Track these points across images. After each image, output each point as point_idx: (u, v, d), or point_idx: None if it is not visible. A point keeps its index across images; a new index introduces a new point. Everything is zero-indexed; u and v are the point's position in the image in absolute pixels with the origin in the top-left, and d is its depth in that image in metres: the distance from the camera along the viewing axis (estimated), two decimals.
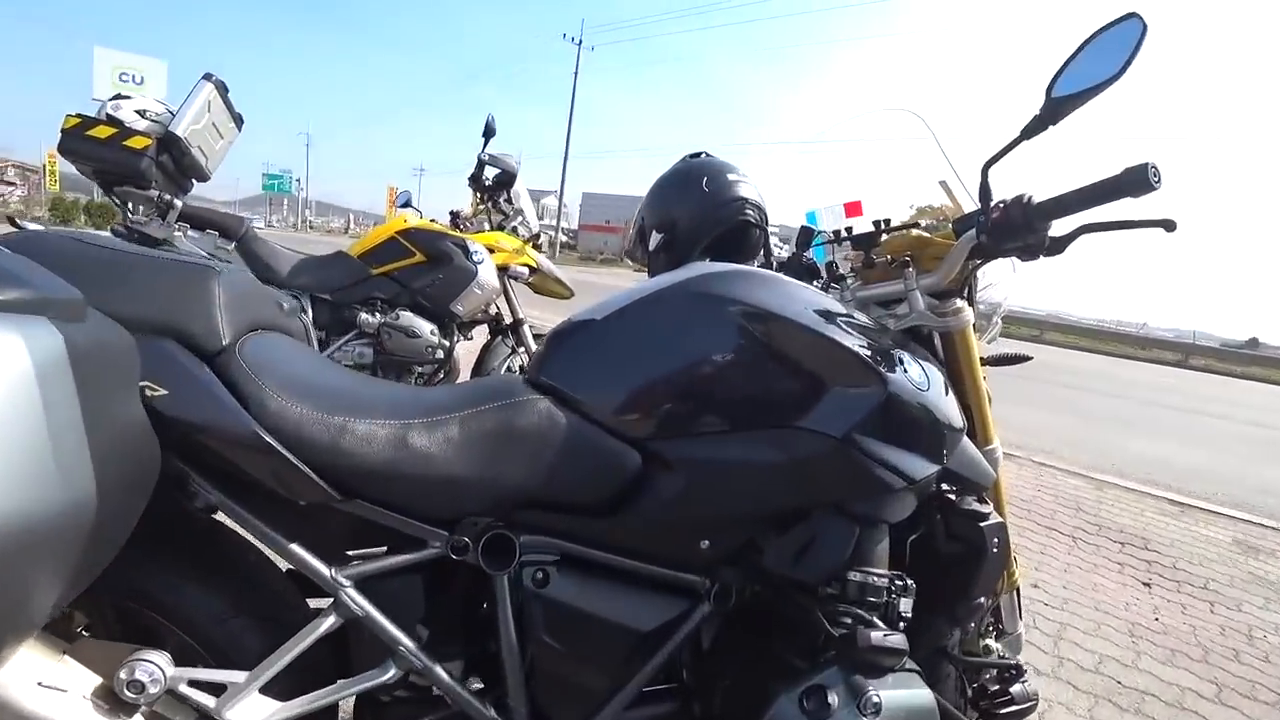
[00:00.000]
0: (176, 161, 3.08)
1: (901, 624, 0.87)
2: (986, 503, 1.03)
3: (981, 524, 0.98)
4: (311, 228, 59.57)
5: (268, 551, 0.85)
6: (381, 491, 0.80)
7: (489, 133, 3.20)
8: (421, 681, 0.86)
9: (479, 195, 3.43)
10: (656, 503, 0.85)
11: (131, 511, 0.69)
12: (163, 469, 0.73)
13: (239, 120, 3.41)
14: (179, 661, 0.77)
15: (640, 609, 0.87)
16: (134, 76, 17.62)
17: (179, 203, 3.05)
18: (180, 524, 0.84)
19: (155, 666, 0.74)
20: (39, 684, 0.69)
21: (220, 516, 0.82)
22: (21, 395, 0.52)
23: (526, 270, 3.32)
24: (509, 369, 3.39)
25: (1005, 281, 1.23)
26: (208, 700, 0.77)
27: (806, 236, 1.45)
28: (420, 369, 3.08)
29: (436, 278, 2.94)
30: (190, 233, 3.12)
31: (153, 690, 0.74)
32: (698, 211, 1.50)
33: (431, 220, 3.33)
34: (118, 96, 3.05)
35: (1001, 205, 0.96)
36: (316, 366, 0.89)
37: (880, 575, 0.88)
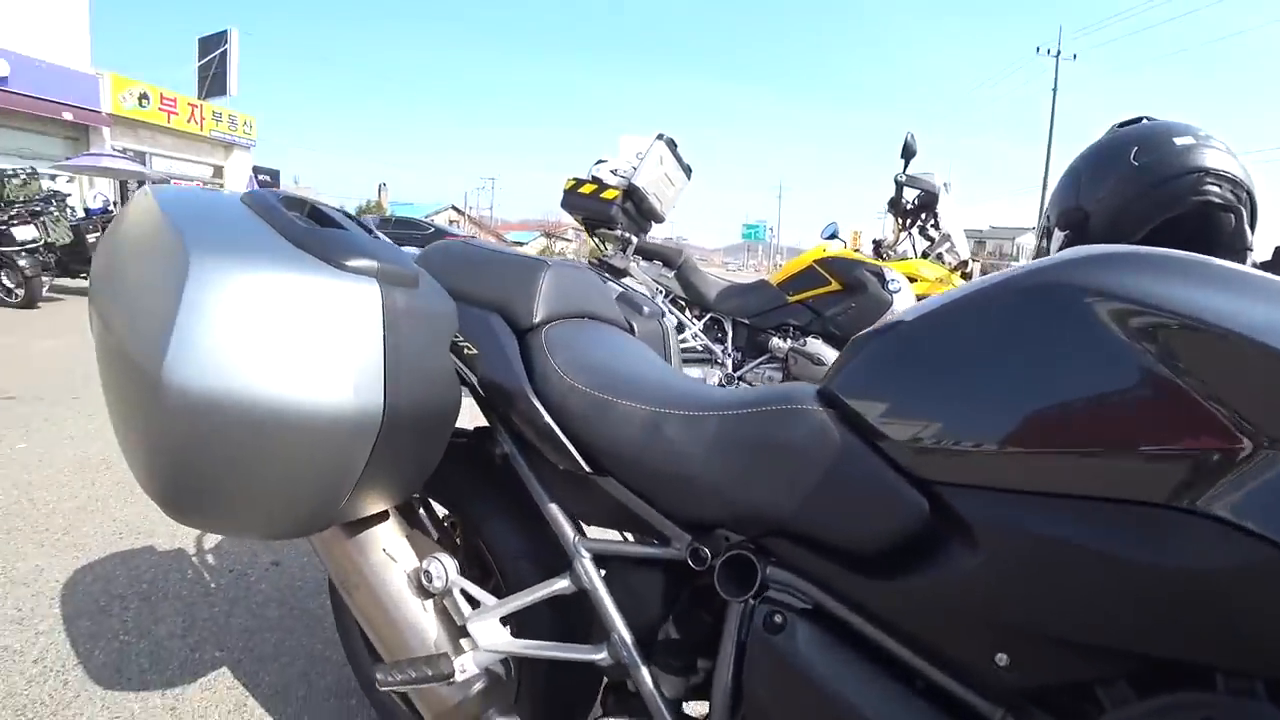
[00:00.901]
0: (637, 207, 3.74)
1: None
2: None
3: None
4: None
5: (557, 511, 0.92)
6: (629, 475, 0.79)
7: (908, 153, 2.98)
8: (627, 677, 0.81)
9: (900, 221, 3.24)
10: (940, 574, 0.59)
11: (433, 434, 0.86)
12: (484, 419, 0.95)
13: (688, 170, 3.95)
14: (466, 573, 0.94)
15: (898, 713, 0.62)
16: (645, 153, 22.13)
17: (635, 240, 3.65)
18: (503, 471, 0.96)
19: (443, 568, 0.91)
20: (383, 549, 0.94)
21: None
22: (338, 326, 0.72)
23: None
24: None
25: None
26: (466, 609, 0.91)
27: None
28: None
29: (849, 306, 2.89)
30: (642, 262, 3.70)
31: (438, 585, 0.91)
32: (1121, 195, 1.06)
33: (855, 250, 3.30)
34: (600, 161, 3.84)
35: None
36: (614, 354, 0.94)
37: None
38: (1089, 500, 0.53)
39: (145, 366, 0.68)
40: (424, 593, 0.92)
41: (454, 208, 46.96)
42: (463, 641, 0.91)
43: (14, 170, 8.01)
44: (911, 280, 2.96)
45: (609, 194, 3.66)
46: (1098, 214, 1.09)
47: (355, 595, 0.96)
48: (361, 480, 0.78)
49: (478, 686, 0.91)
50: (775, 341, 3.06)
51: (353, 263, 0.75)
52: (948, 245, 3.15)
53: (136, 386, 0.71)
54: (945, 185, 3.20)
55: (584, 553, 0.85)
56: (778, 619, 0.67)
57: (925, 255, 3.20)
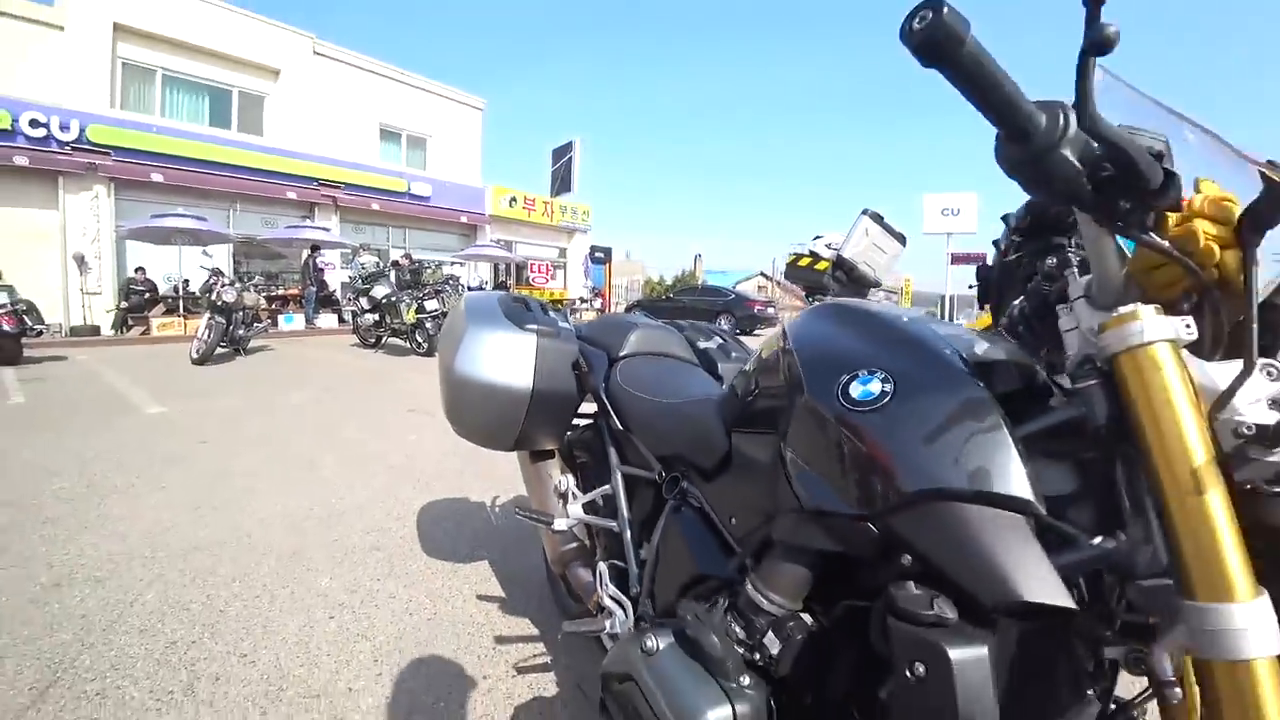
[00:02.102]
0: (848, 275, 4.21)
1: None
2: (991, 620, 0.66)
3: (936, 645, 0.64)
4: None
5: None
6: (639, 432, 1.46)
7: None
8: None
9: None
10: (721, 476, 1.07)
11: (560, 410, 1.64)
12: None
13: (901, 238, 4.25)
14: (581, 486, 1.70)
15: (709, 554, 1.07)
16: (953, 210, 20.72)
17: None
18: (602, 434, 1.70)
19: (568, 482, 1.67)
20: (547, 472, 1.76)
21: None
22: (515, 353, 1.57)
23: None
24: None
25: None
26: (572, 499, 1.64)
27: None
28: None
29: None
30: None
31: (562, 488, 1.67)
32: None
33: None
34: (817, 237, 4.42)
35: None
36: (659, 372, 1.58)
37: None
38: (758, 433, 0.95)
39: (446, 364, 1.61)
40: (559, 493, 1.71)
41: (762, 274, 48.55)
42: (566, 513, 1.67)
43: (428, 261, 11.36)
44: None
45: (821, 265, 4.22)
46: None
47: (530, 493, 1.81)
48: (523, 426, 1.61)
49: (571, 544, 1.68)
50: None
51: (527, 325, 1.60)
52: None
53: (443, 374, 1.65)
54: None
55: (618, 474, 1.50)
56: (681, 509, 1.15)
57: None
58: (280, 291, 14.05)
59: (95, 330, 11.29)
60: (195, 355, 8.07)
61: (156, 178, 12.01)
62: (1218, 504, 0.56)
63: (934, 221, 20.48)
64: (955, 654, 0.62)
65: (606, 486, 1.56)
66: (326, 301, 14.21)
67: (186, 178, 12.48)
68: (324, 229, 14.25)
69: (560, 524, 1.62)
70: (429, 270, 11.04)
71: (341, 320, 13.67)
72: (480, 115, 20.11)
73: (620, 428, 1.50)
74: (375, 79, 16.95)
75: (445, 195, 17.89)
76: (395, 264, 12.12)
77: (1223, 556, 0.55)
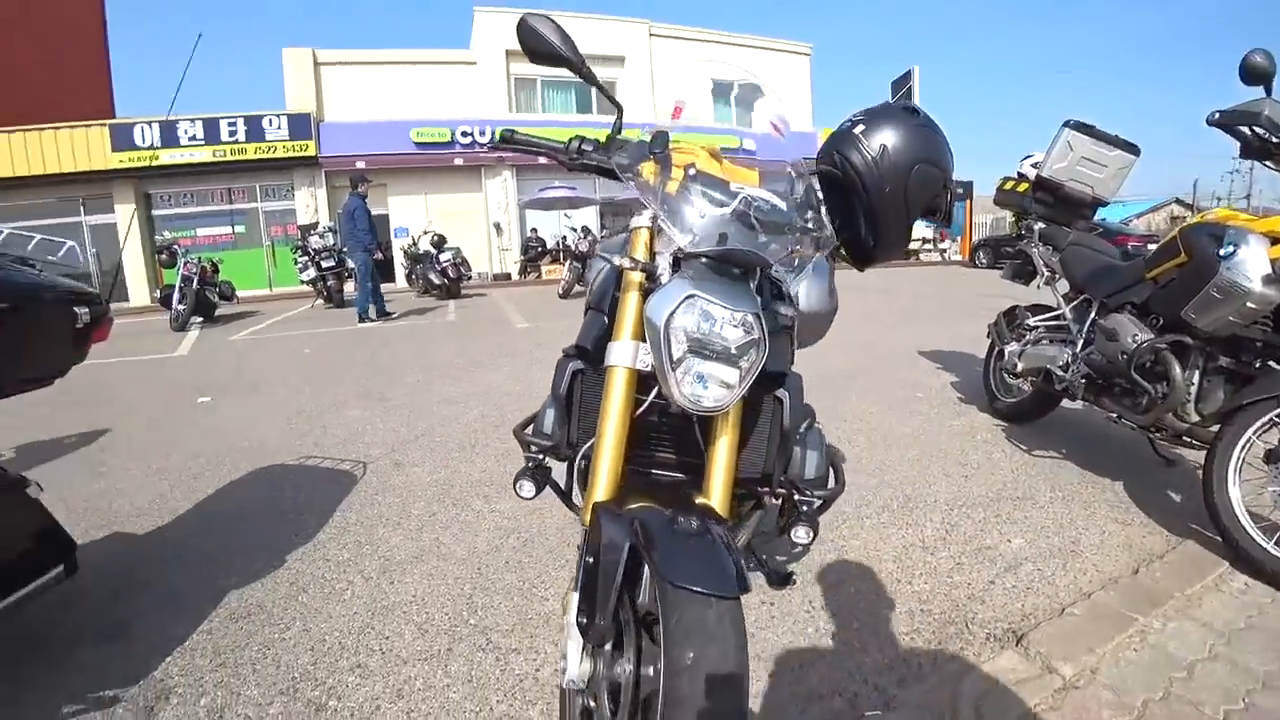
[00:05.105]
0: (1054, 195, 4.10)
1: None
2: None
3: None
4: None
5: None
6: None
7: (1257, 77, 2.22)
8: None
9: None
10: None
11: None
12: None
13: (1128, 146, 3.84)
14: None
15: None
16: None
17: (1035, 227, 4.13)
18: None
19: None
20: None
21: None
22: (595, 267, 2.72)
23: None
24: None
25: None
26: None
27: None
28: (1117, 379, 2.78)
29: (1174, 278, 2.54)
30: (1042, 246, 4.14)
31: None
32: None
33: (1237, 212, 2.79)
34: (1026, 157, 4.36)
35: None
36: None
37: None
38: None
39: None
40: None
41: (1178, 200, 36.08)
42: None
43: None
44: (1276, 241, 2.27)
45: (1021, 187, 4.21)
46: None
47: None
48: None
49: None
50: (1100, 320, 2.95)
51: (600, 253, 2.71)
52: None
53: None
54: None
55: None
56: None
57: None
58: None
59: (506, 276, 15.52)
60: (560, 291, 10.82)
61: (542, 160, 15.53)
62: (633, 301, 1.14)
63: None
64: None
65: None
66: None
67: None
68: None
69: None
70: None
71: None
72: (807, 60, 20.42)
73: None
74: (704, 46, 18.62)
75: (774, 144, 18.82)
76: None
77: (630, 330, 1.12)
